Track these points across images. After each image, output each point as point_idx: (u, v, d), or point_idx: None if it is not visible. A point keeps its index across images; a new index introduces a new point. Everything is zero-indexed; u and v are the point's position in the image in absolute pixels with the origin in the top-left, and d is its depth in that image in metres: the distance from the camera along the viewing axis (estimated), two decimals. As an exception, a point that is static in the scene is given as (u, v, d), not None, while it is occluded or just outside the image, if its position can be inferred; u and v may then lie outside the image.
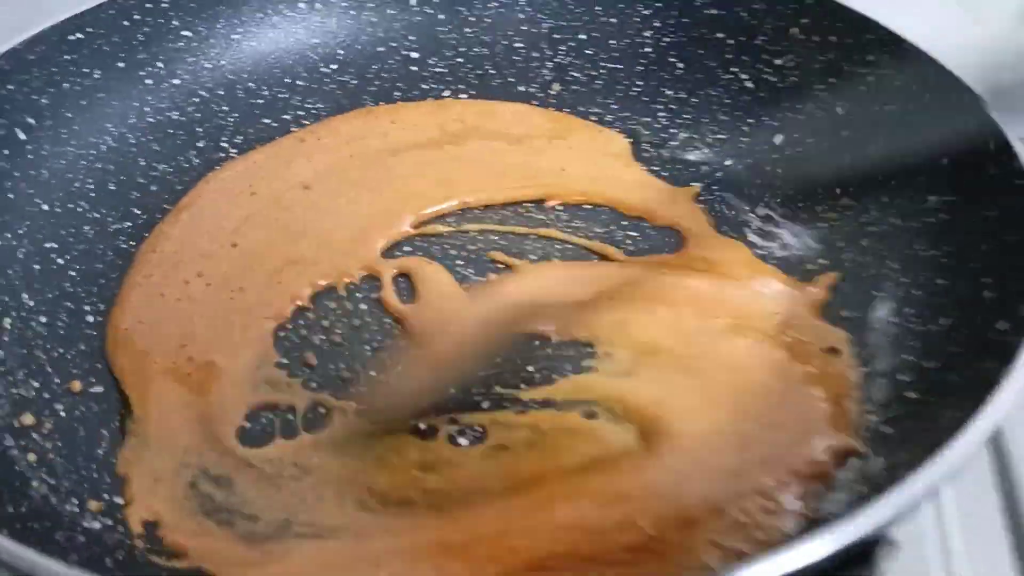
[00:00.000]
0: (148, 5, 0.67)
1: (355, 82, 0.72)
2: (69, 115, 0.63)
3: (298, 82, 0.71)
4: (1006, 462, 0.54)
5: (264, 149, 0.68)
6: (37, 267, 0.58)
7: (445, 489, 0.48)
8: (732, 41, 0.69)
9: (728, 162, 0.66)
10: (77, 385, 0.53)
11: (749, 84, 0.68)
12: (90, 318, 0.57)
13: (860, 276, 0.57)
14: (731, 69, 0.69)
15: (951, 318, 0.51)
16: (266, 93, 0.70)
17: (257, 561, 0.45)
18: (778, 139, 0.66)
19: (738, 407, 0.51)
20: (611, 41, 0.73)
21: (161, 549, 0.46)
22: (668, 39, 0.72)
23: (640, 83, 0.71)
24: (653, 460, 0.49)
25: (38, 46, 0.62)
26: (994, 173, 0.53)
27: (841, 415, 0.50)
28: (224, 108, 0.69)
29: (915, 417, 0.47)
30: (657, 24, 0.72)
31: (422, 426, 0.51)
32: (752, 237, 0.61)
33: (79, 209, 0.61)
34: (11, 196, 0.59)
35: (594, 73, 0.73)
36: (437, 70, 0.73)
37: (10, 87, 0.60)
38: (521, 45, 0.74)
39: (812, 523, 0.44)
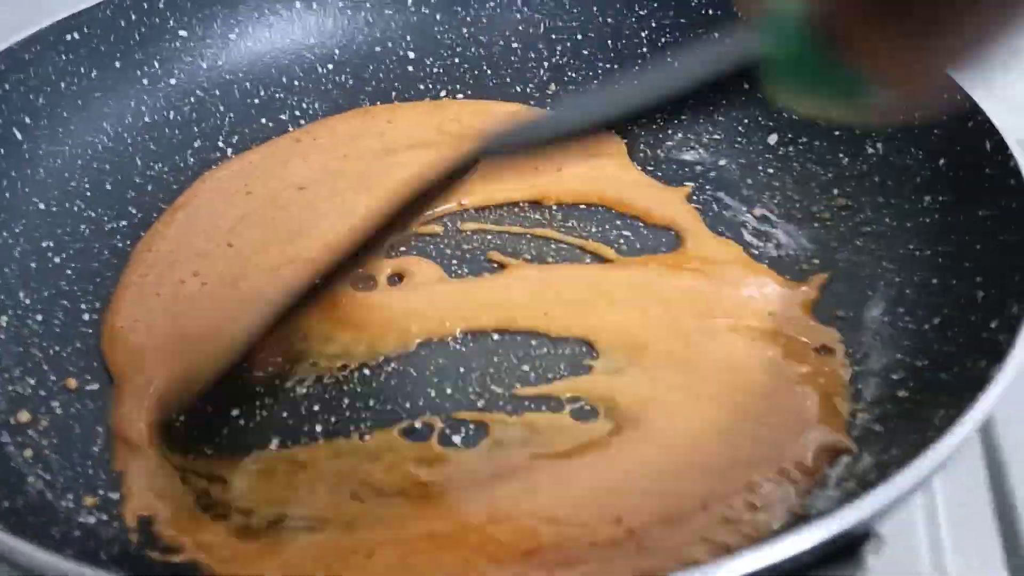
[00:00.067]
0: (144, 5, 0.67)
1: (352, 82, 0.72)
2: (66, 115, 0.63)
3: (294, 82, 0.72)
4: (997, 458, 0.54)
5: (260, 149, 0.68)
6: (34, 265, 0.58)
7: (436, 481, 0.48)
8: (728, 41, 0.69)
9: (723, 162, 0.67)
10: (73, 382, 0.53)
11: (745, 84, 0.68)
12: (86, 316, 0.57)
13: (854, 276, 0.57)
14: (727, 69, 0.69)
15: (944, 317, 0.52)
16: (262, 93, 0.71)
17: (252, 554, 0.45)
18: (772, 139, 0.66)
19: (730, 405, 0.51)
20: (607, 42, 0.73)
21: (156, 544, 0.46)
22: (664, 40, 0.72)
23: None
24: (640, 456, 0.49)
25: (34, 46, 0.62)
26: (989, 173, 0.54)
27: (833, 413, 0.50)
28: (220, 108, 0.69)
29: (906, 416, 0.48)
30: (653, 25, 0.72)
31: (417, 424, 0.51)
32: (747, 237, 0.61)
33: (75, 208, 0.62)
34: (8, 195, 0.59)
35: (590, 73, 0.73)
36: (434, 70, 0.74)
37: (6, 87, 0.60)
38: (518, 46, 0.74)
39: (801, 519, 0.44)
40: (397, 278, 0.60)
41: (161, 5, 0.68)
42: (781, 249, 0.61)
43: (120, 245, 0.61)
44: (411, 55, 0.74)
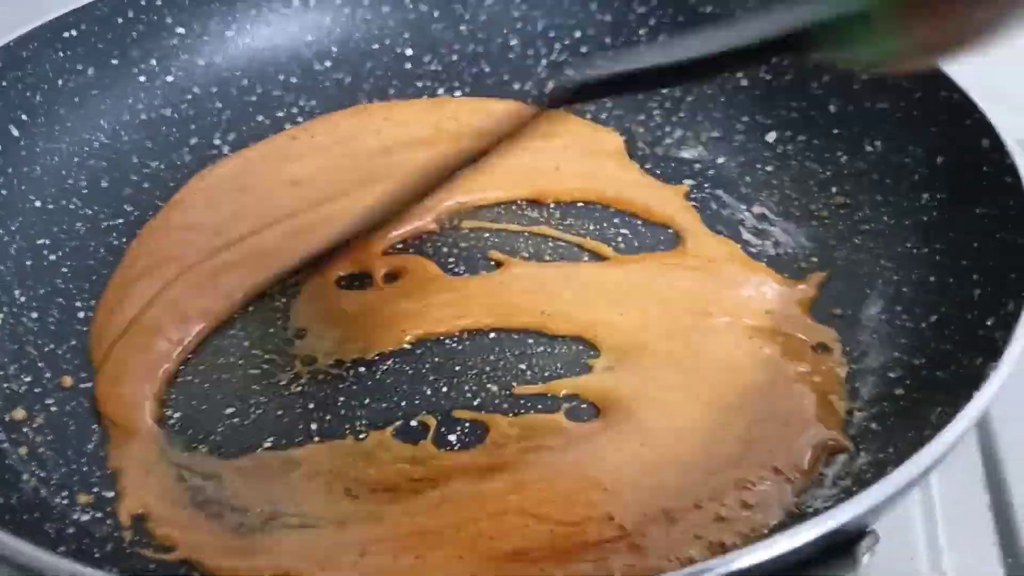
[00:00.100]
0: (142, 2, 0.67)
1: (349, 79, 0.72)
2: (62, 112, 0.63)
3: (292, 79, 0.71)
4: (994, 455, 0.54)
5: (257, 146, 0.68)
6: (29, 263, 0.58)
7: (430, 478, 0.48)
8: (726, 39, 0.69)
9: (721, 160, 0.67)
10: (68, 380, 0.53)
11: (743, 82, 0.68)
12: (81, 314, 0.57)
13: (852, 274, 0.57)
14: (725, 67, 0.69)
15: (942, 315, 0.52)
16: (259, 90, 0.70)
17: (246, 551, 0.45)
18: (771, 137, 0.66)
19: (726, 403, 0.51)
20: (606, 39, 0.73)
21: (150, 541, 0.46)
22: (662, 37, 0.72)
23: (635, 81, 0.71)
24: (632, 453, 0.49)
25: (32, 43, 0.62)
26: (987, 172, 0.53)
27: (829, 412, 0.50)
28: (217, 105, 0.69)
29: (903, 414, 0.48)
30: (652, 23, 0.72)
31: (413, 423, 0.51)
32: (746, 235, 0.61)
33: (72, 206, 0.61)
34: (4, 192, 0.59)
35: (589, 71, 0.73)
36: (432, 68, 0.73)
37: (4, 83, 0.60)
38: (516, 43, 0.74)
39: (798, 518, 0.44)
40: (394, 276, 0.59)
41: (159, 2, 0.68)
42: (779, 247, 0.60)
43: (116, 243, 0.61)
44: (409, 52, 0.74)
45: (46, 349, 0.55)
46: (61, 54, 0.64)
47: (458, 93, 0.73)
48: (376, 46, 0.73)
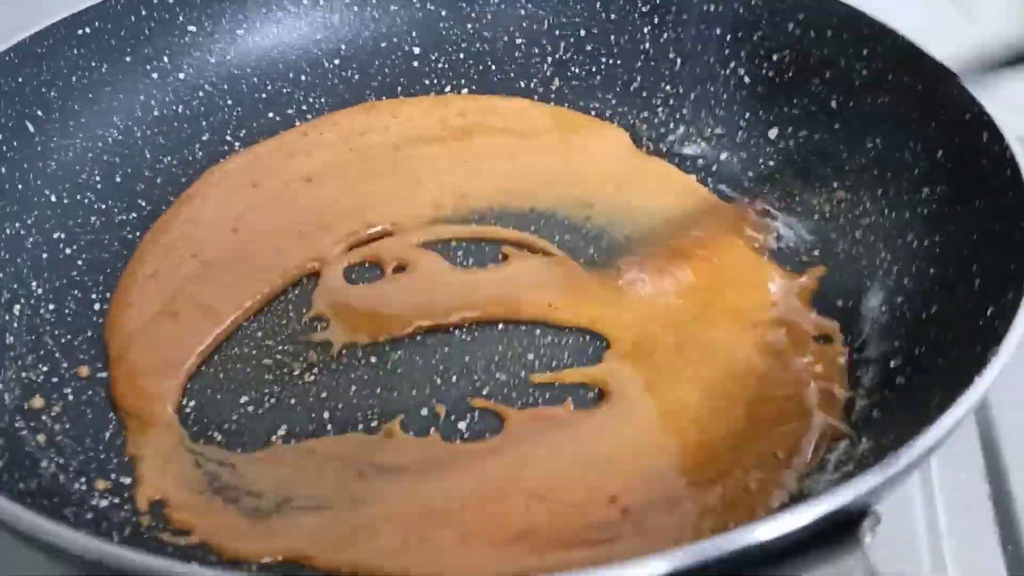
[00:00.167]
0: (154, 1, 0.68)
1: (357, 77, 0.73)
2: (77, 108, 0.64)
3: (301, 77, 0.72)
4: (994, 443, 0.55)
5: (267, 143, 0.69)
6: (45, 256, 0.58)
7: (437, 457, 0.49)
8: (729, 37, 0.70)
9: (724, 156, 0.68)
10: (85, 370, 0.54)
11: (746, 79, 0.69)
12: (97, 306, 0.58)
13: (853, 266, 0.58)
14: (728, 64, 0.69)
15: (942, 306, 0.52)
16: (269, 87, 0.71)
17: (262, 534, 0.46)
18: (773, 133, 0.67)
19: (731, 392, 0.52)
20: (611, 37, 0.74)
21: (167, 526, 0.47)
22: (666, 35, 0.72)
23: (639, 78, 0.72)
24: (635, 436, 0.50)
25: (46, 40, 0.62)
26: (986, 165, 0.54)
27: (832, 400, 0.51)
28: (228, 102, 0.70)
29: (904, 401, 0.48)
30: (656, 20, 0.73)
31: (423, 412, 0.52)
32: (748, 230, 0.62)
33: (86, 200, 0.62)
34: (20, 187, 0.60)
35: (594, 69, 0.73)
36: (439, 65, 0.74)
37: (19, 80, 0.61)
38: (522, 41, 0.74)
39: (800, 501, 0.45)
40: (403, 268, 0.60)
41: (171, 1, 0.68)
42: (781, 241, 0.61)
43: (130, 237, 0.62)
44: (416, 50, 0.74)
45: (63, 340, 0.55)
46: (75, 51, 0.64)
47: (465, 90, 0.73)
48: (384, 44, 0.74)
